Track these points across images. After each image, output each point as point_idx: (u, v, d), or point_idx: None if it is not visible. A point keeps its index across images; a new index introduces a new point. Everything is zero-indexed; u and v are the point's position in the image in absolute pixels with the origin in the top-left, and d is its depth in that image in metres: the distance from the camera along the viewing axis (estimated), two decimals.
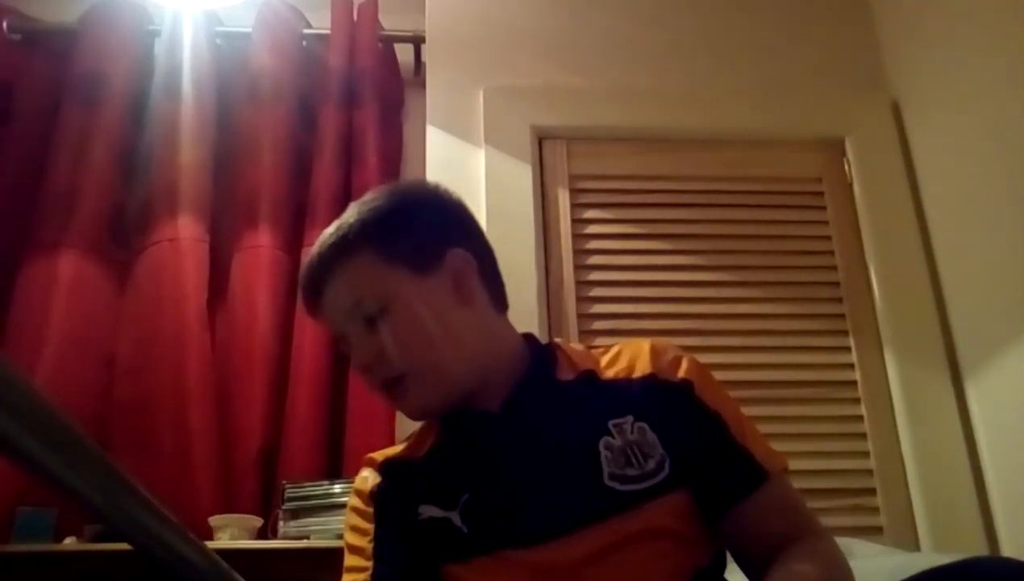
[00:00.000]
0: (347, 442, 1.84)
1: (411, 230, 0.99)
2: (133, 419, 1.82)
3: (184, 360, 1.85)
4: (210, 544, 1.59)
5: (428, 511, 0.93)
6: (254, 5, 2.22)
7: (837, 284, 2.00)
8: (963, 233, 1.90)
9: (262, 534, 1.69)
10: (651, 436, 0.90)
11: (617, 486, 0.87)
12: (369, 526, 0.96)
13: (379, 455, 1.04)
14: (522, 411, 0.95)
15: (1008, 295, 1.73)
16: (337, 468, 1.83)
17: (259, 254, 1.98)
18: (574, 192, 2.02)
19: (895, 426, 1.87)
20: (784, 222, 2.05)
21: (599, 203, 2.03)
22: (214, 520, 1.66)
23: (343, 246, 0.98)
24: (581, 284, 1.95)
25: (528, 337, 1.05)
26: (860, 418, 1.88)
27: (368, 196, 1.05)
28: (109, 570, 1.53)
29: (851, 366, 1.93)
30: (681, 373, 0.96)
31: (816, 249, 2.04)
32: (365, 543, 0.95)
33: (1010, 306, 1.73)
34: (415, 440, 1.03)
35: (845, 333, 1.96)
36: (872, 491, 1.83)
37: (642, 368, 0.97)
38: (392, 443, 1.86)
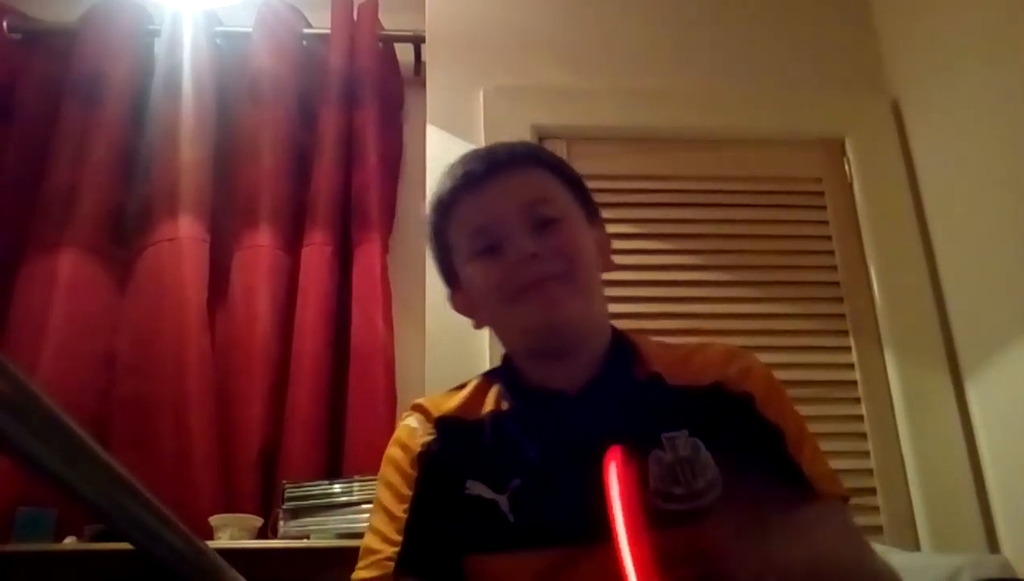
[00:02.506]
0: (347, 442, 1.84)
1: (583, 185, 1.03)
2: (133, 418, 1.83)
3: (184, 360, 1.85)
4: (210, 544, 1.59)
5: (476, 488, 0.88)
6: (254, 5, 2.22)
7: (837, 284, 2.00)
8: (963, 233, 1.90)
9: (262, 534, 1.69)
10: (705, 454, 0.86)
11: (660, 504, 0.84)
12: (408, 493, 0.91)
13: (431, 405, 0.97)
14: (595, 402, 0.92)
15: (1008, 295, 1.73)
16: (337, 468, 1.83)
17: (259, 254, 1.98)
18: None
19: (895, 426, 1.87)
20: (784, 222, 2.05)
21: (599, 203, 2.01)
22: (214, 520, 1.66)
23: (534, 154, 1.00)
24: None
25: (613, 327, 1.01)
26: (860, 418, 1.88)
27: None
28: (109, 570, 1.53)
29: (851, 366, 1.93)
30: (746, 385, 0.93)
31: (816, 249, 2.03)
32: (399, 511, 0.91)
33: (1010, 306, 1.73)
34: (469, 398, 0.98)
35: (845, 333, 1.96)
36: (872, 491, 1.82)
37: (710, 375, 0.94)
38: None
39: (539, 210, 0.94)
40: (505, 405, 0.95)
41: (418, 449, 0.93)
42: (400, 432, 0.97)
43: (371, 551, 0.91)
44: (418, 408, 0.98)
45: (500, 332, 1.00)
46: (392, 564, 0.88)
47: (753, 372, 0.95)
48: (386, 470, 0.95)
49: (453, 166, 1.00)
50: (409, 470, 0.93)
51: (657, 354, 0.98)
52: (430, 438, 0.94)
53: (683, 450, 0.87)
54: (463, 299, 1.01)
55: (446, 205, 0.98)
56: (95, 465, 0.46)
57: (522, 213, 0.93)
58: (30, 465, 0.40)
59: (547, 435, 0.91)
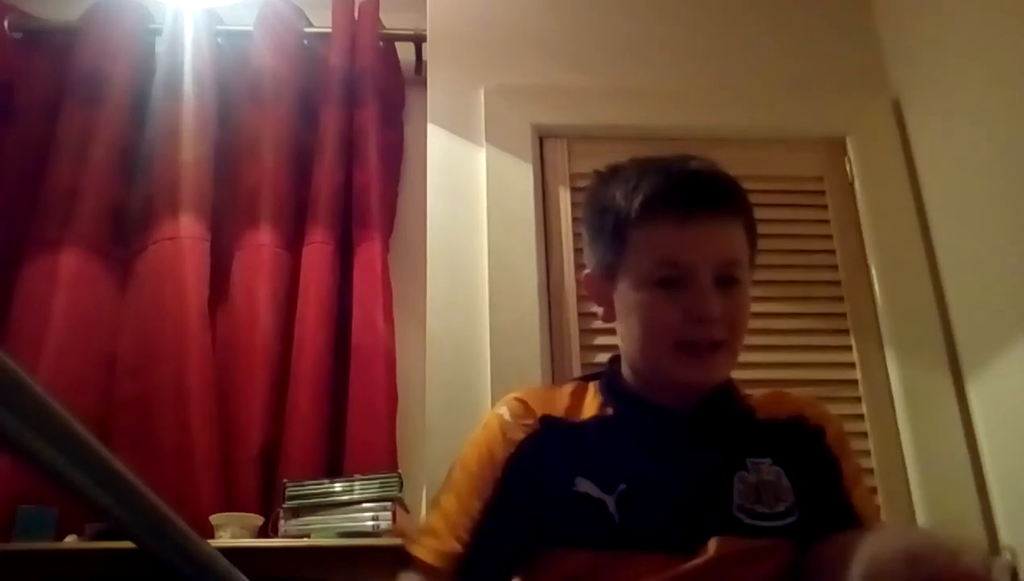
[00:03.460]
0: (348, 440, 1.84)
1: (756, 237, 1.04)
2: (134, 417, 1.83)
3: (185, 359, 1.85)
4: (211, 543, 1.60)
5: (584, 486, 0.91)
6: (255, 4, 2.22)
7: (838, 283, 2.00)
8: (964, 232, 1.90)
9: (263, 532, 1.69)
10: (785, 482, 0.93)
11: (744, 518, 0.90)
12: (489, 493, 0.93)
13: (534, 401, 0.98)
14: (700, 424, 0.97)
15: (1009, 294, 1.73)
16: (338, 466, 1.83)
17: (260, 253, 1.98)
18: (575, 191, 2.02)
19: (896, 425, 1.87)
20: (785, 221, 2.05)
21: None
22: (215, 518, 1.66)
23: (747, 206, 1.02)
24: (581, 283, 1.94)
25: None
26: (861, 417, 1.88)
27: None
28: (110, 568, 1.53)
29: (852, 365, 1.93)
30: (820, 422, 1.01)
31: (817, 248, 2.03)
32: (474, 508, 0.92)
33: (1011, 305, 1.73)
34: (571, 401, 1.00)
35: (846, 332, 1.95)
36: (872, 490, 1.82)
37: (791, 410, 1.01)
38: (393, 441, 1.89)
39: (731, 270, 0.95)
40: (610, 411, 0.98)
41: (512, 449, 0.95)
42: (493, 420, 0.98)
43: (434, 533, 0.94)
44: (520, 401, 0.99)
45: (635, 349, 0.98)
46: (451, 559, 0.91)
47: (829, 416, 1.03)
48: (471, 454, 0.97)
49: (662, 172, 0.96)
50: (497, 469, 0.94)
51: (749, 394, 1.05)
52: (529, 434, 0.95)
53: (766, 475, 0.93)
54: (605, 290, 1.00)
55: (653, 213, 0.94)
56: (97, 463, 0.46)
57: (718, 267, 0.94)
58: (32, 463, 0.40)
59: (655, 446, 0.95)
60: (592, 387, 1.02)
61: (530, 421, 0.96)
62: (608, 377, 1.02)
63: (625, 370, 1.01)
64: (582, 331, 1.90)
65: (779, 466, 0.94)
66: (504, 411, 0.98)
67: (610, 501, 0.90)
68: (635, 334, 0.97)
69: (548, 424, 0.96)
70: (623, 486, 0.90)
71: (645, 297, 0.94)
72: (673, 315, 0.92)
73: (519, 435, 0.95)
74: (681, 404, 0.97)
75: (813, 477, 0.95)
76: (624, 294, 0.97)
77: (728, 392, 1.02)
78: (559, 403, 0.99)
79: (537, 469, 0.93)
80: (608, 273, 0.99)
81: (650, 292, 0.94)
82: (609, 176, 1.02)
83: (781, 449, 0.96)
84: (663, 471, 0.93)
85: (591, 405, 0.99)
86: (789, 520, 0.91)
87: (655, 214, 0.94)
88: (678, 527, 0.89)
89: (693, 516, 0.90)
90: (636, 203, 0.94)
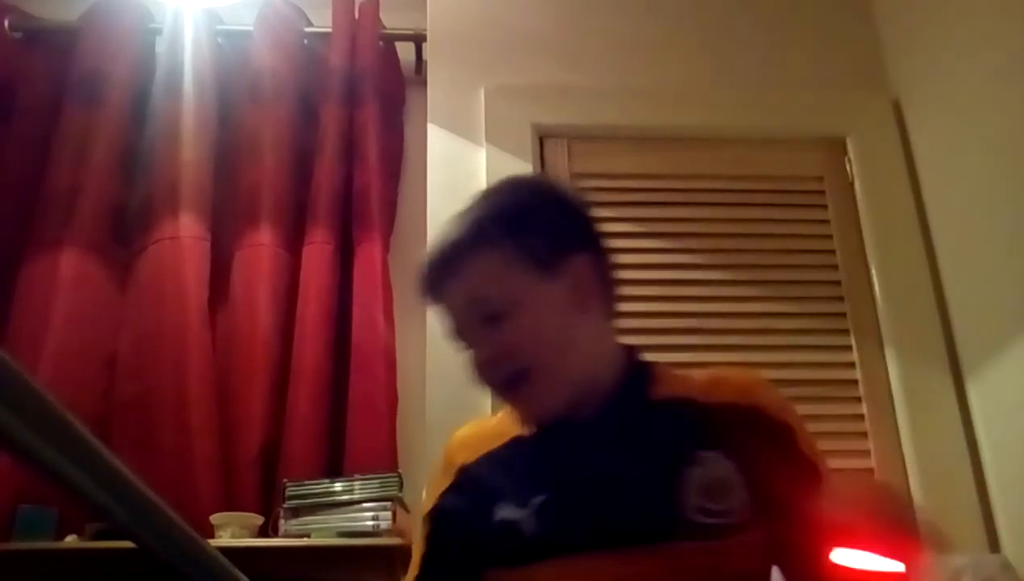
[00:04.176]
0: (348, 440, 1.84)
1: (544, 231, 0.96)
2: (134, 417, 1.83)
3: (185, 358, 1.85)
4: (211, 542, 1.60)
5: (502, 512, 0.92)
6: (255, 3, 2.23)
7: (838, 283, 2.00)
8: (964, 232, 1.90)
9: (263, 532, 1.70)
10: (738, 477, 0.89)
11: (694, 516, 0.87)
12: (420, 553, 0.99)
13: (458, 448, 1.02)
14: (615, 424, 0.95)
15: (1009, 294, 1.73)
16: (338, 466, 1.83)
17: (260, 252, 1.98)
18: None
19: (896, 425, 1.87)
20: (785, 221, 2.05)
21: (600, 202, 2.02)
22: (215, 518, 1.66)
23: (479, 238, 0.95)
24: None
25: (628, 349, 1.02)
26: (860, 417, 1.88)
27: (497, 188, 1.03)
28: (110, 568, 1.53)
29: (852, 365, 1.93)
30: (785, 416, 0.96)
31: (817, 248, 2.03)
32: (415, 559, 0.99)
33: (1012, 305, 1.73)
34: (504, 427, 1.01)
35: (846, 332, 1.95)
36: None
37: (749, 398, 0.96)
38: (393, 441, 1.89)
39: (487, 309, 0.93)
40: (528, 435, 0.99)
41: (434, 503, 1.00)
42: (430, 478, 1.04)
43: None
44: (446, 454, 1.04)
45: None
46: None
47: (788, 407, 0.98)
48: (417, 519, 1.03)
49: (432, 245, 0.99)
50: (425, 527, 1.00)
51: (681, 379, 1.00)
52: (448, 486, 1.00)
53: (719, 470, 0.90)
54: None
55: (424, 295, 1.01)
56: (96, 462, 0.46)
57: (471, 316, 0.95)
58: (32, 462, 0.40)
59: (566, 459, 0.95)
60: None
61: (451, 474, 1.00)
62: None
63: None
64: None
65: (731, 459, 0.90)
66: (435, 465, 1.04)
67: (527, 516, 0.90)
68: None
69: (464, 473, 0.99)
70: (539, 498, 0.91)
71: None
72: (473, 370, 0.97)
73: (439, 490, 1.01)
74: (587, 411, 0.95)
75: (781, 477, 0.91)
76: None
77: (639, 381, 0.98)
78: (489, 434, 1.02)
79: (460, 517, 0.97)
80: None
81: (464, 357, 0.98)
82: None
83: (735, 440, 0.92)
84: (588, 478, 0.92)
85: (515, 425, 1.00)
86: (742, 516, 0.88)
87: (424, 295, 1.01)
88: (608, 530, 0.88)
89: (628, 517, 0.88)
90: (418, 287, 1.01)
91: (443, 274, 0.97)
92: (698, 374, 1.02)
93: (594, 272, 0.97)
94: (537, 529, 0.89)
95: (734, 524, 0.87)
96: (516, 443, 0.98)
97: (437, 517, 0.99)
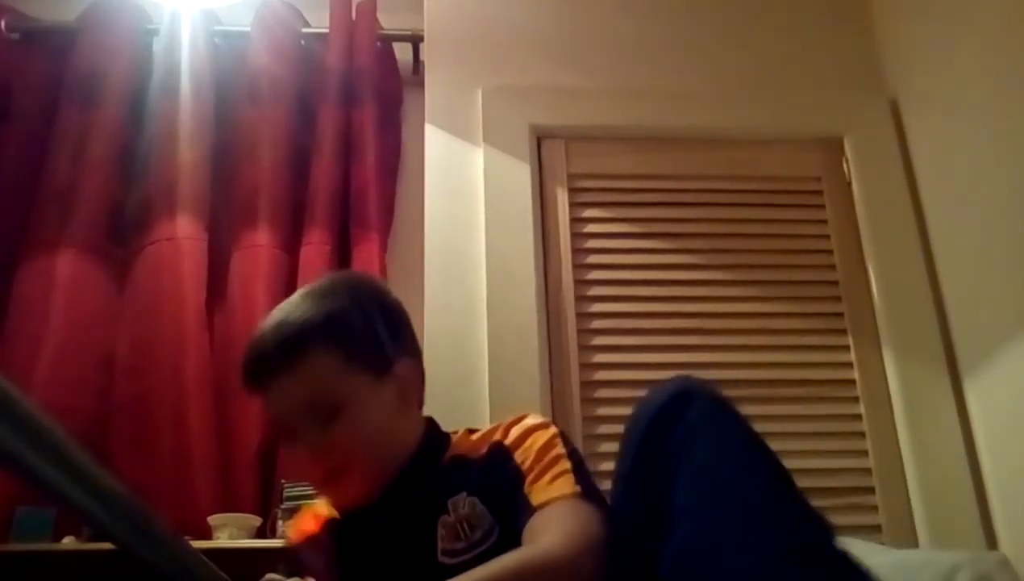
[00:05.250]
0: None
1: (373, 336, 1.03)
2: (132, 418, 1.82)
3: (183, 359, 1.85)
4: (209, 543, 1.59)
5: None
6: (252, 4, 2.22)
7: (836, 283, 2.00)
8: (962, 232, 1.90)
9: (260, 533, 1.69)
10: (481, 508, 0.97)
11: (447, 560, 0.95)
12: None
13: (293, 532, 1.14)
14: (393, 501, 1.02)
15: (1007, 294, 1.73)
16: None
17: (258, 253, 1.98)
18: (573, 191, 2.02)
19: (893, 425, 1.87)
20: (783, 221, 2.05)
21: (598, 202, 2.03)
22: (213, 519, 1.66)
23: (304, 340, 0.99)
24: (580, 283, 1.95)
25: (429, 422, 1.11)
26: (859, 417, 1.88)
27: (323, 289, 1.06)
28: (108, 570, 1.53)
29: (850, 365, 1.93)
30: (505, 437, 1.02)
31: (815, 248, 2.04)
32: None
33: (1009, 305, 1.73)
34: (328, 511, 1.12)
35: (844, 332, 1.96)
36: (871, 490, 1.83)
37: (494, 439, 1.03)
38: None
39: (317, 406, 0.98)
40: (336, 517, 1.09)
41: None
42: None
43: None
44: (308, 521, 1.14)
45: None
46: None
47: (518, 422, 1.04)
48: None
49: (248, 346, 1.03)
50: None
51: (465, 440, 1.08)
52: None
53: (463, 509, 0.97)
54: None
55: (246, 388, 1.04)
56: (78, 467, 0.46)
57: (302, 412, 0.99)
58: (16, 469, 0.40)
59: (358, 542, 1.04)
60: None
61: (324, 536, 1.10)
62: None
63: None
64: (580, 331, 1.90)
65: (474, 496, 0.97)
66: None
67: None
68: None
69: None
70: (338, 575, 1.01)
71: (288, 454, 1.08)
72: (298, 463, 1.05)
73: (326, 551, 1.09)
74: (374, 497, 1.03)
75: (501, 488, 0.97)
76: None
77: (429, 453, 1.06)
78: (312, 523, 1.11)
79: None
80: None
81: (287, 448, 1.09)
82: None
83: (475, 478, 0.99)
84: (373, 550, 1.01)
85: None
86: (489, 542, 0.94)
87: (247, 388, 1.04)
88: None
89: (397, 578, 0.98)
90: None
91: (274, 368, 0.99)
92: (482, 431, 1.09)
93: (415, 373, 1.08)
94: None
95: (482, 552, 0.93)
96: (331, 524, 1.08)
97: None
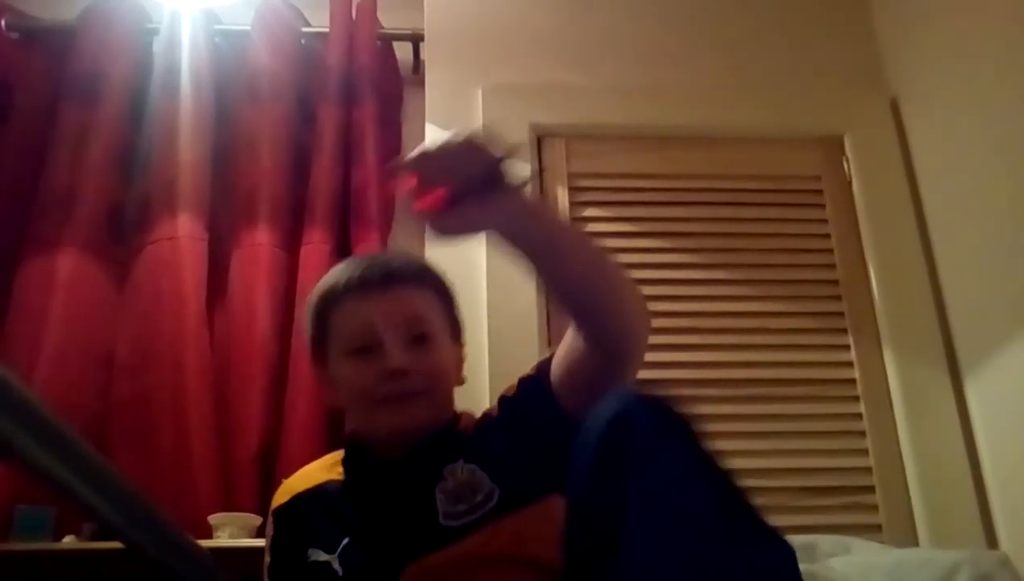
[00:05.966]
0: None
1: (457, 308, 1.18)
2: (132, 417, 1.82)
3: (183, 358, 1.85)
4: (209, 542, 1.59)
5: (315, 554, 1.03)
6: (252, 3, 2.22)
7: (836, 282, 2.00)
8: (962, 231, 1.90)
9: (261, 532, 1.69)
10: (479, 473, 1.03)
11: (451, 523, 0.99)
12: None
13: (280, 493, 1.15)
14: (415, 465, 1.06)
15: (1008, 293, 1.73)
16: None
17: (258, 252, 1.98)
18: (573, 190, 2.02)
19: (894, 424, 1.87)
20: (783, 220, 2.05)
21: (598, 201, 2.03)
22: (213, 519, 1.66)
23: (425, 270, 1.13)
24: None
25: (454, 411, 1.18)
26: (859, 416, 1.88)
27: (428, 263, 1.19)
28: (108, 569, 1.53)
29: (850, 364, 1.93)
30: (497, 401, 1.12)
31: (815, 247, 2.04)
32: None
33: (1009, 304, 1.73)
34: (328, 472, 1.14)
35: (844, 331, 1.96)
36: (871, 489, 1.83)
37: (491, 413, 1.13)
38: None
39: (417, 327, 1.07)
40: (341, 473, 1.12)
41: (267, 560, 1.12)
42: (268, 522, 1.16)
43: None
44: (272, 510, 1.15)
45: (351, 417, 1.18)
46: None
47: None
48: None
49: (350, 264, 1.13)
50: (267, 558, 1.13)
51: (471, 416, 1.16)
52: (271, 535, 1.13)
53: (461, 474, 1.03)
54: (322, 374, 1.14)
55: (337, 297, 1.10)
56: (85, 463, 0.46)
57: (402, 326, 1.06)
58: (22, 465, 0.40)
59: (374, 496, 1.07)
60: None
61: (271, 523, 1.13)
62: (346, 444, 1.15)
63: (364, 438, 1.13)
64: None
65: (472, 462, 1.04)
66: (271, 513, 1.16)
67: (334, 560, 1.01)
68: (347, 403, 1.13)
69: (278, 516, 1.12)
70: (345, 540, 1.02)
71: (347, 367, 1.08)
72: (367, 376, 1.05)
73: (268, 543, 1.13)
74: (400, 454, 1.07)
75: (507, 445, 1.04)
76: (333, 371, 1.11)
77: (447, 431, 1.10)
78: (313, 477, 1.14)
79: (279, 560, 1.09)
80: (319, 357, 1.13)
81: (347, 363, 1.08)
82: (324, 277, 1.16)
83: (471, 446, 1.07)
84: (378, 516, 1.04)
85: (334, 471, 1.12)
86: (491, 504, 1.00)
87: (345, 295, 1.09)
88: (392, 562, 0.98)
89: (405, 545, 0.99)
90: (329, 293, 1.11)
91: (397, 279, 1.08)
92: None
93: (463, 361, 1.18)
94: (341, 572, 1.00)
95: (486, 512, 0.99)
96: (330, 485, 1.10)
97: (272, 573, 1.10)
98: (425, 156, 0.89)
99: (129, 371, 1.87)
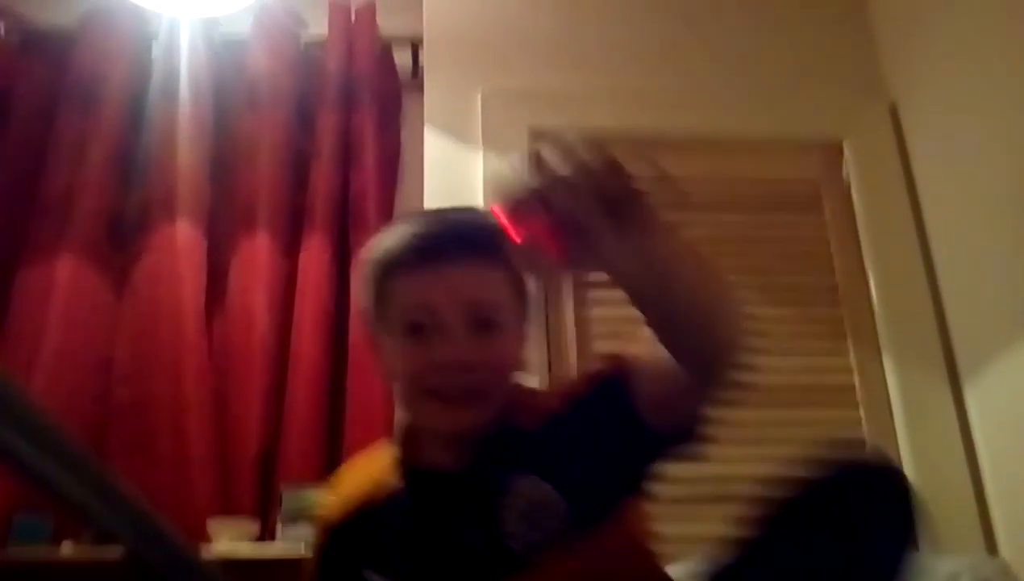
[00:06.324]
0: (346, 444, 1.84)
1: (528, 291, 0.98)
2: (131, 422, 1.82)
3: (181, 363, 1.85)
4: (208, 548, 1.59)
5: (371, 577, 0.93)
6: (252, 10, 2.22)
7: (835, 288, 2.00)
8: (961, 236, 1.90)
9: (260, 538, 1.69)
10: (552, 493, 0.88)
11: (515, 544, 0.87)
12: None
13: (333, 507, 1.02)
14: (477, 474, 0.92)
15: (1007, 299, 1.73)
16: (335, 470, 1.82)
17: (257, 258, 1.98)
18: None
19: (893, 430, 1.87)
20: (782, 225, 2.05)
21: None
22: (213, 525, 1.65)
23: (504, 248, 0.84)
24: (578, 286, 1.94)
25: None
26: (858, 422, 1.88)
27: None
28: (105, 576, 1.52)
29: (849, 370, 1.93)
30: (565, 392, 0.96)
31: (814, 252, 2.03)
32: None
33: (1008, 310, 1.73)
34: (379, 474, 0.99)
35: (843, 337, 1.95)
36: None
37: (555, 407, 0.94)
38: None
39: (486, 312, 0.91)
40: (397, 482, 0.96)
41: (314, 569, 1.01)
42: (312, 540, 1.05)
43: None
44: (318, 519, 1.04)
45: (398, 402, 0.98)
46: None
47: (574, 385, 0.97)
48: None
49: (413, 223, 0.95)
50: (313, 569, 1.02)
51: (534, 397, 0.98)
52: (320, 549, 1.01)
53: (532, 492, 0.88)
54: (376, 346, 0.99)
55: (393, 264, 0.93)
56: (87, 471, 0.46)
57: (468, 309, 0.90)
58: (20, 469, 0.40)
59: (435, 512, 0.93)
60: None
61: (322, 537, 1.01)
62: (399, 442, 0.99)
63: (415, 434, 0.99)
64: (579, 332, 1.90)
65: (539, 471, 0.89)
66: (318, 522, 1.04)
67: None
68: (394, 384, 0.97)
69: (332, 534, 1.00)
70: (403, 561, 0.91)
71: (397, 346, 0.92)
72: (421, 362, 0.89)
73: (316, 554, 1.02)
74: (457, 459, 0.92)
75: (578, 455, 0.89)
76: (384, 346, 0.95)
77: (510, 431, 0.93)
78: (366, 484, 0.99)
79: (329, 577, 0.99)
80: (371, 327, 0.97)
81: (401, 340, 0.91)
82: (382, 234, 0.99)
83: (538, 450, 0.90)
84: (437, 533, 0.91)
85: (386, 472, 0.98)
86: (560, 523, 0.87)
87: (402, 262, 0.92)
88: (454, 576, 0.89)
89: (467, 568, 0.88)
90: (386, 253, 0.93)
91: (461, 256, 0.90)
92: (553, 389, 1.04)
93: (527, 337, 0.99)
94: None
95: (554, 535, 0.86)
96: (387, 500, 0.96)
97: (323, 562, 1.01)
98: (552, 182, 0.73)
99: (128, 377, 1.86)
